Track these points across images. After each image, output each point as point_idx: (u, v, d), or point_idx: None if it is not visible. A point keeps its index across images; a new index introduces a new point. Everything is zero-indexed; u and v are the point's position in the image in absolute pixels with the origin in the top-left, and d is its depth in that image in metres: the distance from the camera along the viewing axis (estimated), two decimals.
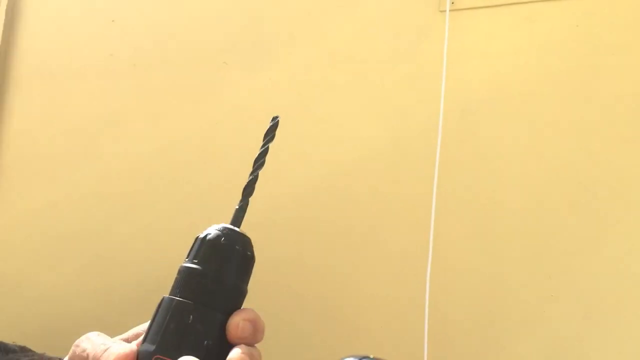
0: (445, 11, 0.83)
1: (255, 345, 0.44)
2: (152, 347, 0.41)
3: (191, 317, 0.41)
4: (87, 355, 0.44)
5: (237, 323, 0.43)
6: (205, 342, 0.41)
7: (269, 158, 0.43)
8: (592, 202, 0.75)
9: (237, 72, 0.96)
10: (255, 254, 0.44)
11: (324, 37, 0.92)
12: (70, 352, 0.47)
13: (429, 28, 0.84)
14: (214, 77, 0.97)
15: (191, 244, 0.43)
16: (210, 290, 0.42)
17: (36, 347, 0.84)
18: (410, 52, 0.85)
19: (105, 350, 0.42)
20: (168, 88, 1.00)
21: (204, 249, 0.42)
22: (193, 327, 0.41)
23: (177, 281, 0.43)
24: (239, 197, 0.45)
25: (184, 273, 0.42)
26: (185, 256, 0.43)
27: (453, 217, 0.79)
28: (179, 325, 0.41)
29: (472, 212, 0.79)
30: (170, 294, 0.42)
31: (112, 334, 0.43)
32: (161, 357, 0.40)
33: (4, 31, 1.11)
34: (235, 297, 0.43)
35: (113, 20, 1.05)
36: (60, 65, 1.08)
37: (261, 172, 0.43)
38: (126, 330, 0.47)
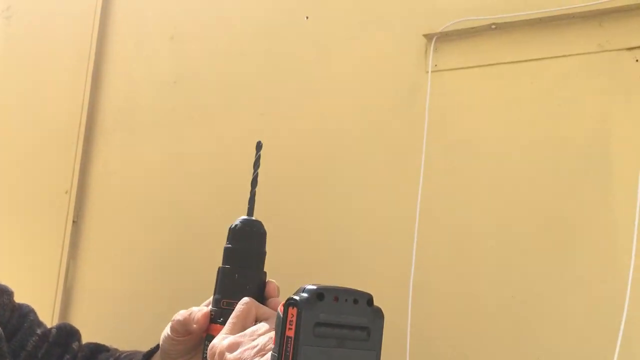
0: (429, 72, 1.06)
1: None
2: (219, 296, 0.72)
3: (236, 275, 0.71)
4: (178, 321, 0.72)
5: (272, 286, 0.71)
6: (248, 286, 0.70)
7: None
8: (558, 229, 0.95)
9: (271, 121, 1.21)
10: None
11: (330, 93, 1.16)
12: (168, 325, 0.75)
13: (418, 87, 1.07)
14: (254, 126, 1.22)
15: (227, 233, 0.71)
16: (243, 257, 0.71)
17: None
18: (402, 108, 1.08)
19: (190, 312, 0.71)
20: (217, 136, 1.26)
21: (234, 234, 0.71)
22: (237, 280, 0.71)
23: (224, 256, 0.73)
24: None
25: (226, 251, 0.72)
26: (226, 240, 0.71)
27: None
28: (231, 281, 0.71)
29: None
30: (222, 264, 0.73)
31: None
32: (226, 300, 0.70)
33: (91, 93, 1.40)
34: (259, 258, 0.73)
35: (175, 82, 1.33)
36: (135, 119, 1.35)
37: None
38: None
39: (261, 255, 0.72)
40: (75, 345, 0.95)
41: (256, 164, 0.74)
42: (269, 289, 0.73)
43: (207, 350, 0.66)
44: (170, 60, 1.34)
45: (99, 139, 1.39)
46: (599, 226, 0.93)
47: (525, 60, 1.01)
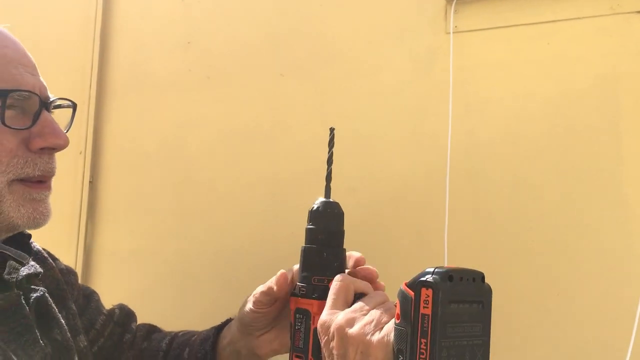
0: (450, 33, 1.11)
1: None
2: (308, 273, 0.75)
3: (324, 254, 0.75)
4: (261, 292, 0.81)
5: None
6: (335, 263, 0.75)
7: None
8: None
9: (290, 82, 1.24)
10: None
11: (351, 54, 1.20)
12: (249, 301, 0.81)
13: (438, 47, 1.12)
14: (274, 87, 1.25)
15: (308, 213, 0.75)
16: (327, 237, 0.76)
17: None
18: (423, 68, 1.13)
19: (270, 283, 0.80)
20: (236, 97, 1.29)
21: (316, 215, 0.76)
22: (326, 258, 0.75)
23: (308, 237, 0.76)
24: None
25: (310, 231, 0.77)
26: (307, 221, 0.74)
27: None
28: (320, 259, 0.75)
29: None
30: (306, 244, 0.76)
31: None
32: (317, 277, 0.74)
33: (100, 54, 1.40)
34: (340, 236, 0.77)
35: (189, 42, 1.34)
36: (147, 80, 1.36)
37: None
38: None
39: (341, 234, 0.77)
40: (134, 325, 0.99)
41: (330, 143, 0.78)
42: (358, 260, 0.78)
43: (299, 323, 0.73)
44: (183, 21, 1.35)
45: (110, 100, 1.39)
46: (609, 173, 1.01)
47: (541, 22, 1.07)
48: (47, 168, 0.76)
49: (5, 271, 0.78)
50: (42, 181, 0.76)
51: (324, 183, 0.77)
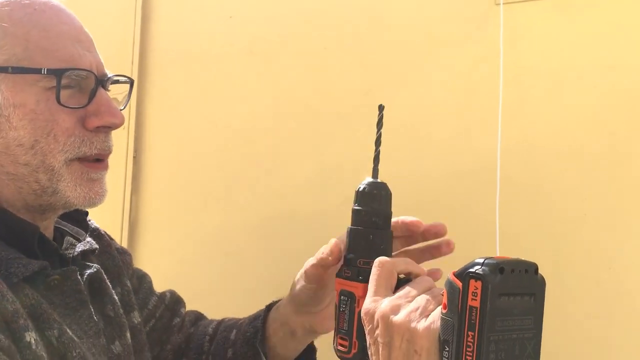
0: (499, 4, 1.08)
1: None
2: (354, 255, 0.73)
3: (371, 236, 0.73)
4: (312, 265, 0.80)
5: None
6: (382, 246, 0.73)
7: None
8: None
9: (334, 55, 1.23)
10: None
11: (396, 27, 1.18)
12: (302, 276, 0.82)
13: (487, 19, 1.09)
14: (317, 60, 1.24)
15: (355, 194, 0.74)
16: (374, 219, 0.73)
17: None
18: (471, 40, 1.10)
19: (321, 254, 0.78)
20: (279, 71, 1.28)
21: (362, 196, 0.74)
22: (373, 241, 0.73)
23: (354, 218, 0.74)
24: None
25: (357, 213, 0.74)
26: (353, 202, 0.73)
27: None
28: (367, 241, 0.73)
29: None
30: (352, 225, 0.74)
31: None
32: (363, 259, 0.72)
33: (142, 28, 1.40)
34: (387, 218, 0.75)
35: (231, 17, 1.33)
36: (189, 55, 1.36)
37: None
38: None
39: (389, 215, 0.75)
40: (182, 310, 1.00)
41: (379, 124, 0.75)
42: (414, 223, 0.78)
43: (344, 305, 0.71)
44: None
45: (153, 75, 1.40)
46: None
47: None
48: (103, 146, 0.76)
49: (63, 246, 0.79)
50: (99, 160, 0.76)
51: (371, 158, 0.74)
